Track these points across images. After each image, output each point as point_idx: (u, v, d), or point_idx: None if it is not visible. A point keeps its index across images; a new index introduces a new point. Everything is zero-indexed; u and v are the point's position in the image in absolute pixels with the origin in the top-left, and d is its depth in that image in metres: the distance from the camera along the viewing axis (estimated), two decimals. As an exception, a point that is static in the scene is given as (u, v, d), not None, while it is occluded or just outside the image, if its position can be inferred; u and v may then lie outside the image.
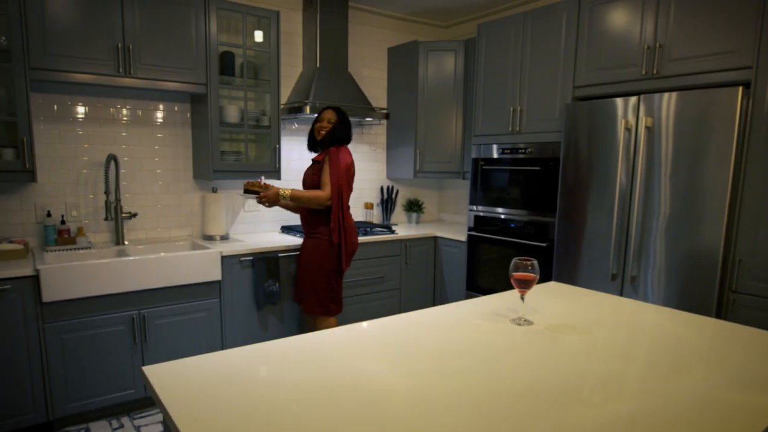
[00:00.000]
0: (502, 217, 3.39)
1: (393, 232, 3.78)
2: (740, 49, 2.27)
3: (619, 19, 2.71)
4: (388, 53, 4.25)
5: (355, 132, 4.14)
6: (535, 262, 1.52)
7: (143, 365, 1.93)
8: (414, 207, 4.43)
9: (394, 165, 4.29)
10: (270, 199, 2.81)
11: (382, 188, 4.33)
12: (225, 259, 2.96)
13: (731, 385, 1.15)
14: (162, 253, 2.77)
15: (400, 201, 4.50)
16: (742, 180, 2.30)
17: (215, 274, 2.91)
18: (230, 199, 3.57)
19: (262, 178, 2.98)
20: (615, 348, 1.38)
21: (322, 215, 2.85)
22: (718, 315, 2.39)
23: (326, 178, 2.80)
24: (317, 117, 2.92)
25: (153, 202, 3.29)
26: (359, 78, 4.09)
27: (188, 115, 3.35)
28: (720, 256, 2.34)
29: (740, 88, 2.21)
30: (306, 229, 2.96)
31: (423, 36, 4.50)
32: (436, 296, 4.02)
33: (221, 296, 2.97)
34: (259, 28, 3.36)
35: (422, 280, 3.93)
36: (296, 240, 3.32)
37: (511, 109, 3.28)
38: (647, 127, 2.52)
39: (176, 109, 3.30)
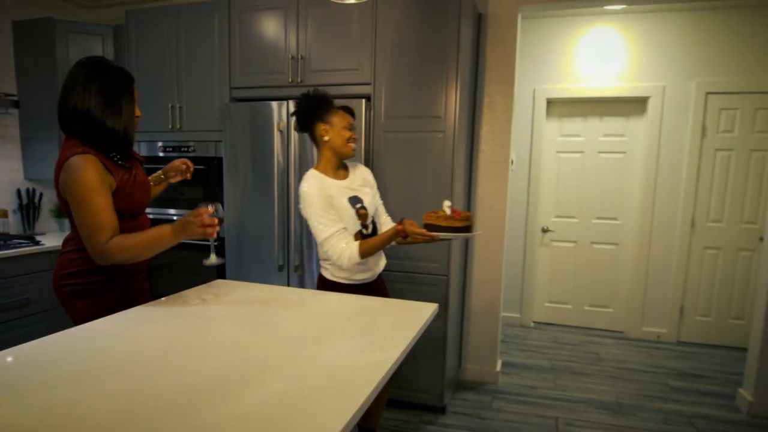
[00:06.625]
0: (175, 218, 3.24)
1: (38, 243, 3.19)
2: (363, 67, 2.73)
3: (266, 27, 2.90)
4: (14, 28, 3.51)
5: (-29, 123, 3.30)
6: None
7: None
8: (66, 212, 3.82)
9: (34, 163, 3.59)
10: None
11: (19, 191, 3.58)
12: None
13: (362, 349, 1.39)
14: None
15: (47, 206, 3.81)
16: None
17: None
18: None
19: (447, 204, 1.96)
20: (275, 334, 1.49)
21: None
22: (363, 289, 2.84)
23: None
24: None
25: None
26: (-28, 55, 3.26)
27: None
28: (360, 240, 2.78)
29: (363, 101, 2.67)
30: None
31: (61, 14, 3.88)
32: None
33: None
34: None
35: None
36: None
37: (170, 105, 3.16)
38: (296, 130, 2.78)
39: None
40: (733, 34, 3.86)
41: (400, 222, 1.97)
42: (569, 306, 4.59)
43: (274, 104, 2.82)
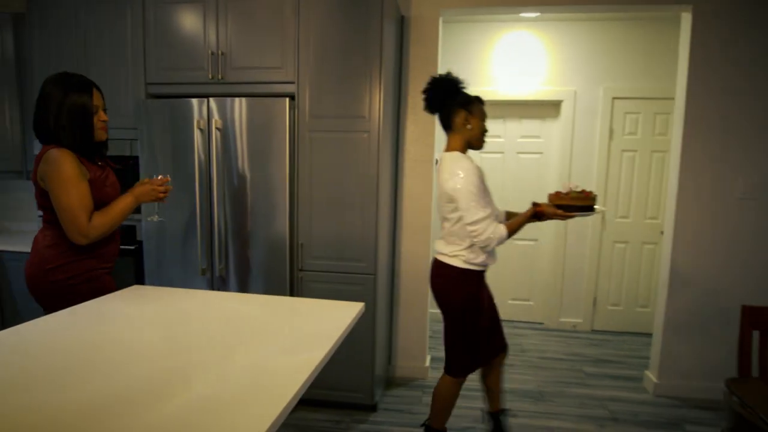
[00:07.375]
0: (138, 218, 3.03)
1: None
2: (286, 66, 2.69)
3: (184, 21, 2.79)
4: None
5: None
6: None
7: None
8: (-41, 217, 3.48)
9: None
10: None
11: None
12: None
13: (287, 350, 1.36)
14: None
15: (-64, 211, 3.45)
16: (297, 176, 2.75)
17: None
18: None
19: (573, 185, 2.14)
20: (197, 339, 1.43)
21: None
22: (292, 292, 2.80)
23: None
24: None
25: None
26: None
27: None
28: (287, 242, 2.74)
29: (287, 99, 2.63)
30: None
31: (-47, -1, 3.53)
32: (6, 322, 3.29)
33: None
34: None
35: (-21, 307, 3.15)
36: None
37: (79, 102, 2.96)
38: (218, 129, 2.70)
39: None
40: (635, 44, 4.17)
41: (535, 205, 2.10)
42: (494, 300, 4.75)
43: (194, 101, 2.72)
